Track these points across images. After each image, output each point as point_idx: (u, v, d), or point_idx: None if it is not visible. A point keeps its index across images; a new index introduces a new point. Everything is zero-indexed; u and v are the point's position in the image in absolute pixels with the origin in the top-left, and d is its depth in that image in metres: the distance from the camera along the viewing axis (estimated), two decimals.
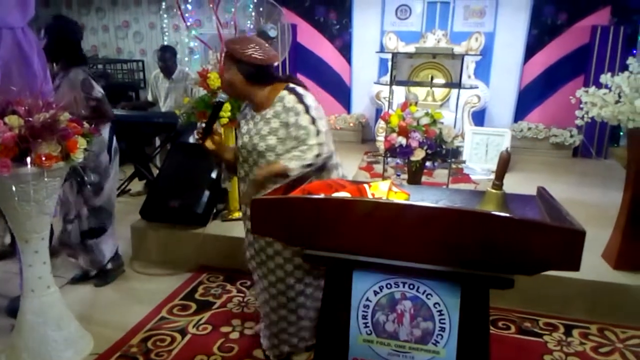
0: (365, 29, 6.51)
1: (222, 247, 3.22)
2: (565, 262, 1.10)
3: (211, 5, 3.26)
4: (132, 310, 2.71)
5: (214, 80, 3.01)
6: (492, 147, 5.17)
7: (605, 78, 2.61)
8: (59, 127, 2.01)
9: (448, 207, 1.26)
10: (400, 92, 5.78)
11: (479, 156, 5.19)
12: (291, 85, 2.00)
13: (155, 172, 4.48)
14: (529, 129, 6.13)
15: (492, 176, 4.23)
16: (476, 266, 1.27)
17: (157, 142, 5.04)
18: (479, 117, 6.10)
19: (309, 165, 1.87)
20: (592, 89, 2.65)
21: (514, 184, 3.42)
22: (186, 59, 7.25)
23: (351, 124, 6.70)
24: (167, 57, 4.68)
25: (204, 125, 2.13)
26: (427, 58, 5.64)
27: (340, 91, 6.94)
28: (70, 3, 7.83)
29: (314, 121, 1.90)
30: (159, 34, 7.50)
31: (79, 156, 2.07)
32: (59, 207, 2.86)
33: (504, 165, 1.39)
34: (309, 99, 1.95)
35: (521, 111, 6.34)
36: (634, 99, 2.47)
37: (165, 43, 6.73)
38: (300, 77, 6.77)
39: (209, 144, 2.10)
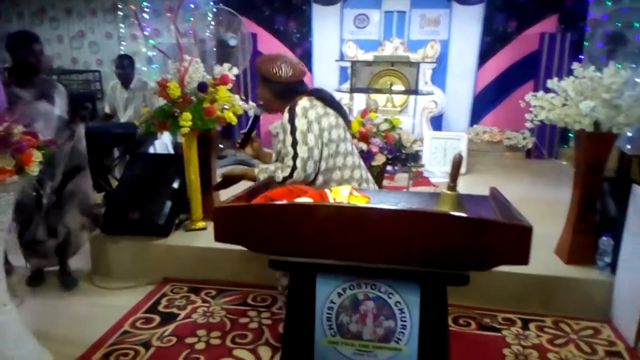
0: (325, 38, 6.60)
1: (186, 257, 3.19)
2: (515, 257, 1.17)
3: (169, 15, 3.24)
4: (93, 326, 2.65)
5: (174, 89, 2.99)
6: (450, 150, 5.33)
7: (552, 83, 2.75)
8: (12, 140, 1.95)
9: (405, 209, 1.31)
10: (361, 99, 5.88)
11: (438, 160, 5.34)
12: (301, 99, 2.05)
13: (115, 184, 4.38)
14: (484, 132, 6.35)
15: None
16: (434, 264, 1.32)
17: (117, 153, 4.93)
18: (437, 122, 6.28)
19: (277, 183, 1.97)
20: (540, 93, 2.78)
21: (471, 185, 3.55)
22: (144, 68, 7.15)
23: None
24: (126, 65, 4.62)
25: (242, 136, 2.34)
26: (386, 66, 5.78)
27: None
28: (22, 13, 7.60)
29: (295, 144, 1.97)
30: (116, 43, 7.37)
31: (34, 169, 2.02)
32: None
33: (457, 167, 1.45)
34: (302, 120, 1.99)
35: (476, 115, 6.56)
36: (579, 102, 2.61)
37: (123, 52, 6.62)
38: None
39: (249, 150, 2.35)
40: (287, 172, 1.96)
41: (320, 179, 2.10)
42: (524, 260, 1.16)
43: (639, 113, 2.57)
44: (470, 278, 1.30)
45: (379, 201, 1.65)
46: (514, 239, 1.16)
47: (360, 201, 1.55)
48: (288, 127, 2.00)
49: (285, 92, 2.10)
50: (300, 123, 1.99)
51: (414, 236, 1.28)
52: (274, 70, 2.07)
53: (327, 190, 1.58)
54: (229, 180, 2.24)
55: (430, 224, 1.24)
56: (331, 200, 1.53)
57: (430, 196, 1.82)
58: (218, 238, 1.42)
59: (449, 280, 1.33)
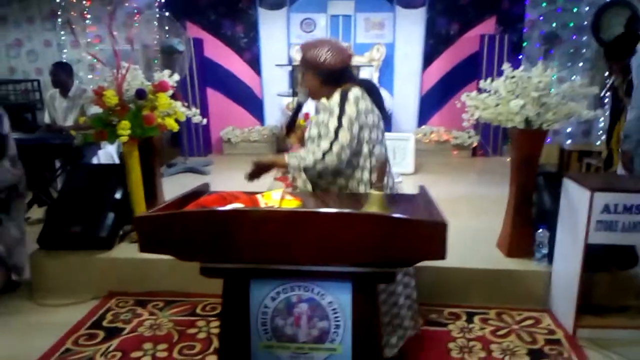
0: (273, 42, 6.59)
1: (131, 270, 3.10)
2: (432, 252, 1.21)
3: (112, 21, 3.15)
4: (34, 346, 2.53)
5: (110, 97, 2.91)
6: (399, 151, 5.42)
7: (484, 84, 2.85)
8: None
9: (333, 211, 1.32)
10: (312, 103, 5.90)
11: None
12: (354, 87, 1.99)
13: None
14: (432, 132, 6.50)
15: (400, 179, 4.41)
16: (363, 264, 1.34)
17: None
18: (385, 124, 6.36)
19: (308, 168, 1.90)
20: (474, 93, 2.88)
21: (419, 184, 3.59)
22: (90, 76, 6.94)
23: (265, 136, 6.73)
24: (60, 72, 4.47)
25: (286, 123, 2.35)
26: None
27: (252, 103, 6.95)
28: None
29: (338, 128, 1.88)
30: (56, 51, 7.10)
31: None
32: None
33: (382, 168, 1.48)
34: (353, 107, 1.91)
35: (424, 116, 6.71)
36: (509, 101, 2.72)
37: (64, 60, 6.40)
38: (210, 91, 6.72)
39: (292, 139, 2.30)
40: (319, 155, 1.86)
41: (348, 172, 2.01)
42: (441, 254, 1.20)
43: (566, 110, 2.70)
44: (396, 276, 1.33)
45: (312, 205, 1.66)
46: (429, 234, 1.19)
47: (292, 205, 1.56)
48: (336, 110, 1.91)
49: (333, 78, 2.01)
50: (350, 109, 1.90)
51: (341, 237, 1.30)
52: (321, 57, 1.98)
53: (259, 195, 1.58)
54: (260, 168, 2.11)
55: (354, 224, 1.26)
56: (262, 205, 1.53)
57: (361, 197, 1.84)
58: (143, 249, 1.39)
59: (378, 278, 1.36)
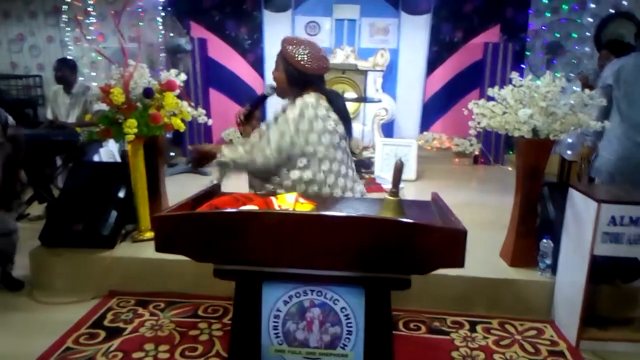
0: (277, 44, 6.50)
1: (133, 269, 3.08)
2: (451, 260, 1.20)
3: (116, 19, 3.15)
4: (33, 344, 2.51)
5: (118, 95, 2.90)
6: (402, 157, 5.42)
7: (492, 91, 2.85)
8: None
9: (347, 215, 1.31)
10: None
11: (390, 166, 5.42)
12: (309, 94, 1.99)
13: (58, 194, 4.20)
14: (434, 139, 6.51)
15: (402, 185, 4.42)
16: (378, 269, 1.33)
17: (59, 162, 4.74)
18: (388, 129, 6.38)
19: (235, 160, 1.92)
20: (482, 101, 2.87)
21: (421, 191, 3.60)
22: (93, 73, 6.93)
23: None
24: (65, 69, 4.46)
25: (246, 111, 2.31)
26: (337, 73, 5.81)
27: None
28: None
29: (271, 125, 1.91)
30: (58, 47, 7.08)
31: None
32: None
33: (398, 173, 1.48)
34: (295, 111, 1.91)
35: (426, 122, 6.72)
36: (518, 109, 2.72)
37: (69, 57, 6.38)
38: (212, 91, 6.71)
39: (248, 128, 2.26)
40: (248, 147, 1.90)
41: (296, 174, 1.99)
42: (459, 262, 1.19)
43: (573, 120, 2.70)
44: (412, 282, 1.32)
45: (326, 208, 1.66)
46: (449, 242, 1.19)
47: (305, 208, 1.55)
48: (279, 111, 1.97)
49: (299, 80, 2.02)
50: (291, 112, 1.92)
51: (356, 241, 1.29)
52: (296, 55, 2.00)
53: (272, 198, 1.57)
54: (200, 156, 2.10)
55: (370, 229, 1.25)
56: (276, 208, 1.52)
57: (375, 202, 1.84)
58: (159, 248, 1.38)
59: (392, 285, 1.35)
